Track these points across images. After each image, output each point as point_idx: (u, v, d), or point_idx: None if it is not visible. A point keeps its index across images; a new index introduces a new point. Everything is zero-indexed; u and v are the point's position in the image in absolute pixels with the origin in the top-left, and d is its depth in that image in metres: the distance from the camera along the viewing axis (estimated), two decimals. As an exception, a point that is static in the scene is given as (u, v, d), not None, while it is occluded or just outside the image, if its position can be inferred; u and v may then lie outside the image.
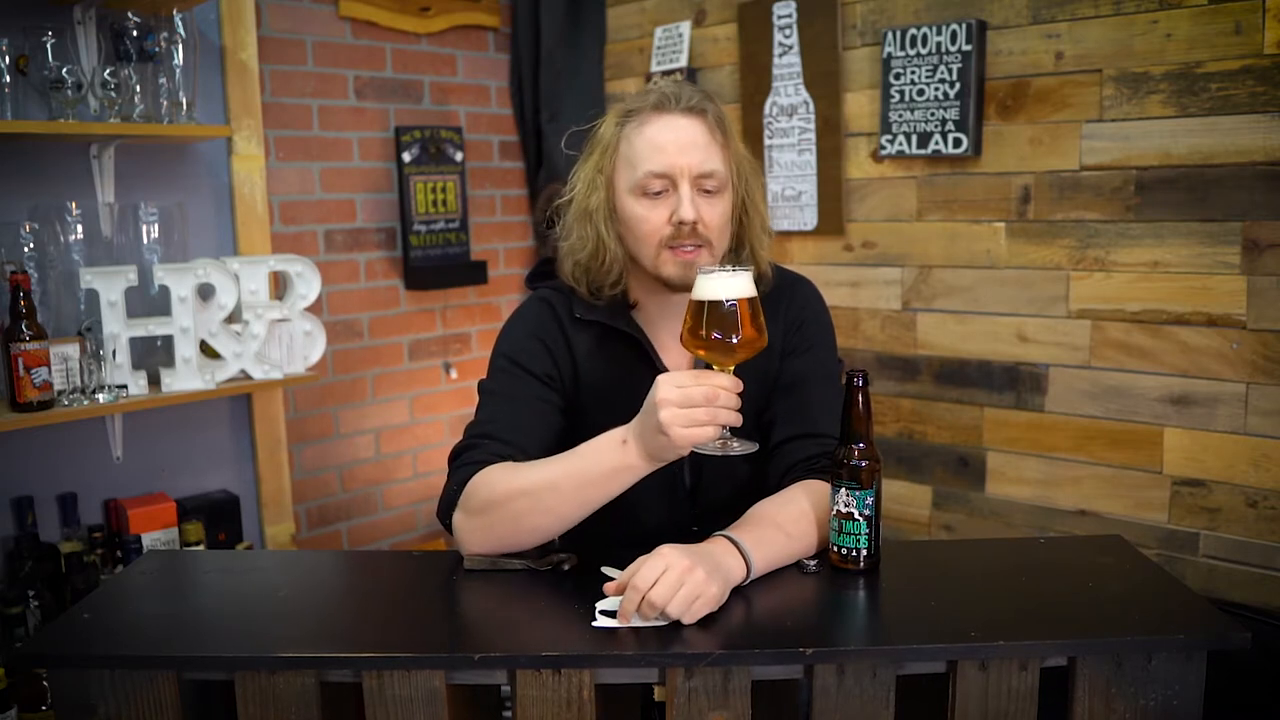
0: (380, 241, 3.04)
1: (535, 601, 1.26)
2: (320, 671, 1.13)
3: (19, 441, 2.17)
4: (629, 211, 1.39)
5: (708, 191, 1.38)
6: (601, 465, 1.26)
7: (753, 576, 1.25)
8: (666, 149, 1.36)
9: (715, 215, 1.38)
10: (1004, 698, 1.12)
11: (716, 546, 1.23)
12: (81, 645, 1.16)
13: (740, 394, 1.20)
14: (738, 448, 1.23)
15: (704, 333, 1.20)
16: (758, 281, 1.44)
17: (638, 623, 1.16)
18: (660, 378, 1.20)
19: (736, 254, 1.46)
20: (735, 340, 1.19)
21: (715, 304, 1.20)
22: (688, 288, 1.39)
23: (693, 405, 1.16)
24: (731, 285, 1.20)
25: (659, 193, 1.37)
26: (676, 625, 1.16)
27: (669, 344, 1.47)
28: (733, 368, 1.22)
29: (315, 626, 1.23)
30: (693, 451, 1.21)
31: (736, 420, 1.19)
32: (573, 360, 1.46)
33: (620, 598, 1.20)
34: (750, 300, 1.21)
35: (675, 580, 1.14)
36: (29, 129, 2.03)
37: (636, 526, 1.46)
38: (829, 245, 2.75)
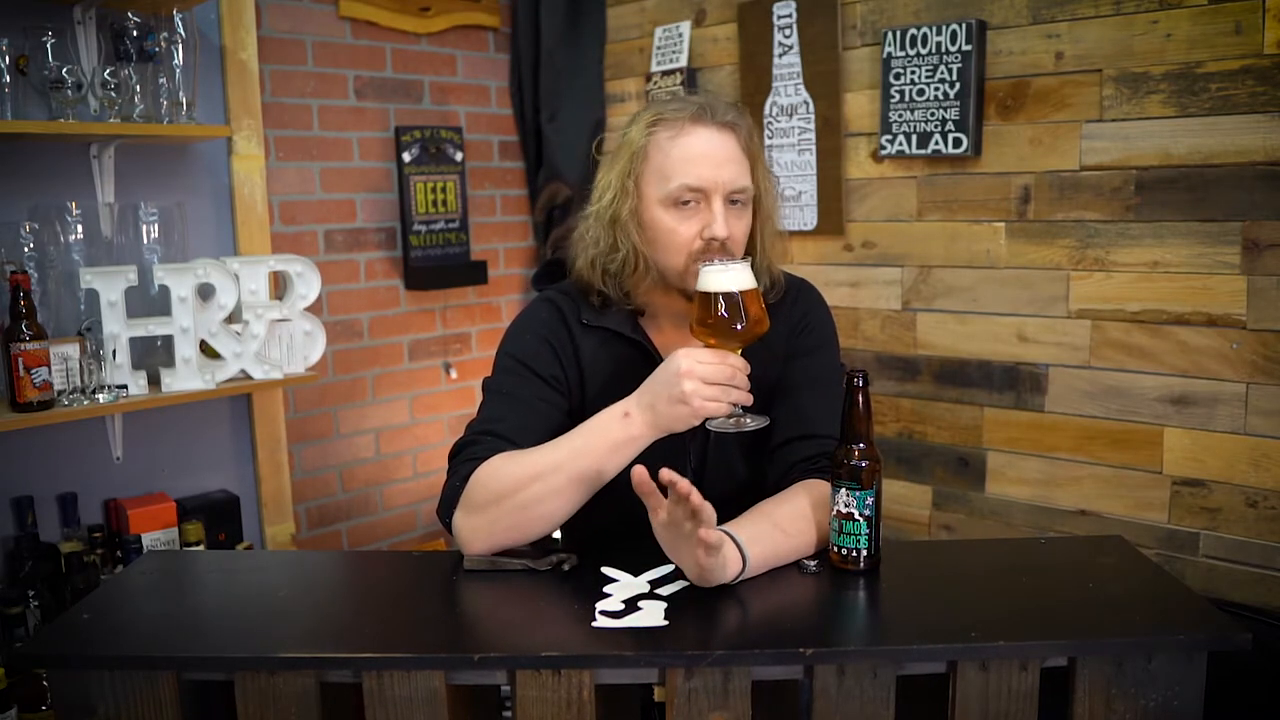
0: (380, 241, 3.04)
1: (535, 601, 1.26)
2: (320, 671, 1.13)
3: (19, 441, 2.16)
4: (658, 222, 1.40)
5: (734, 204, 1.40)
6: (607, 439, 1.28)
7: (748, 573, 1.25)
8: (702, 163, 1.37)
9: (741, 230, 1.42)
10: (1004, 698, 1.12)
11: None
12: (81, 645, 1.16)
13: (750, 376, 1.28)
14: (751, 423, 1.32)
15: (712, 321, 1.29)
16: (770, 287, 1.46)
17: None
18: (680, 351, 1.26)
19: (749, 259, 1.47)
20: (741, 326, 1.29)
21: (720, 294, 1.29)
22: None
23: (715, 381, 1.23)
24: (734, 277, 1.30)
25: (691, 206, 1.38)
26: (676, 625, 1.16)
27: (674, 350, 1.48)
28: (739, 350, 1.30)
29: (315, 626, 1.23)
30: (707, 434, 1.30)
31: (749, 399, 1.28)
32: (579, 364, 1.46)
33: (619, 598, 1.20)
34: (753, 290, 1.31)
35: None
36: (29, 129, 2.03)
37: (636, 525, 1.46)
38: (829, 245, 2.75)
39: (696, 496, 1.15)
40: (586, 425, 1.31)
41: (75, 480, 2.26)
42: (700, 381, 1.22)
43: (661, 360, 1.45)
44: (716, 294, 1.28)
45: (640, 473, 1.17)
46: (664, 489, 1.18)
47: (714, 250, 1.37)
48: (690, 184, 1.36)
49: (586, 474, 1.28)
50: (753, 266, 1.46)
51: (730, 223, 1.38)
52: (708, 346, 1.29)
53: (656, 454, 1.28)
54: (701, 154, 1.37)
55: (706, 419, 1.26)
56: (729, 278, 1.29)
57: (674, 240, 1.38)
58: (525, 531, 1.32)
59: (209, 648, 1.16)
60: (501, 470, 1.30)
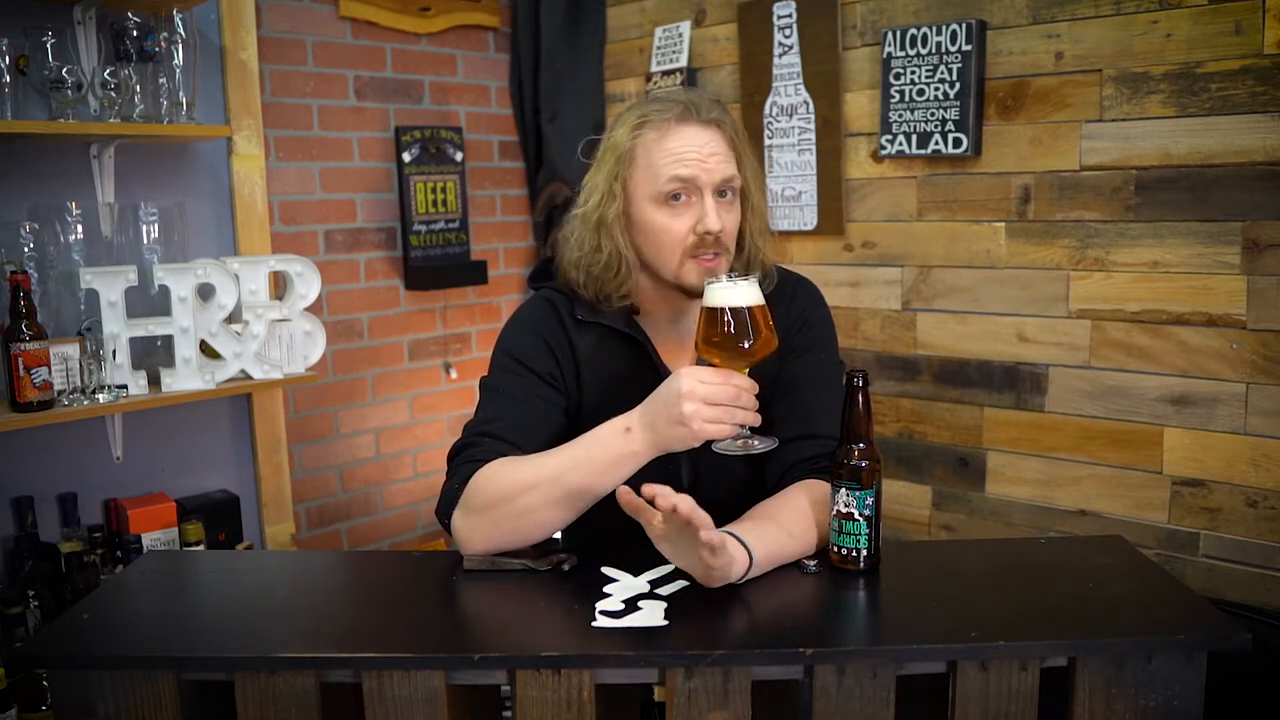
0: (380, 241, 3.04)
1: (535, 601, 1.26)
2: (320, 672, 1.13)
3: (19, 441, 2.16)
4: (650, 221, 1.40)
5: (724, 196, 1.40)
6: (607, 454, 1.27)
7: (754, 572, 1.25)
8: (690, 159, 1.37)
9: (732, 223, 1.42)
10: (1004, 698, 1.12)
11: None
12: (81, 645, 1.16)
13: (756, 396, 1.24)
14: (759, 445, 1.28)
15: (718, 338, 1.25)
16: (761, 283, 1.46)
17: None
18: (683, 370, 1.23)
19: (738, 256, 1.47)
20: (748, 345, 1.25)
21: (727, 310, 1.25)
22: None
23: (717, 403, 1.20)
24: (741, 292, 1.26)
25: (681, 202, 1.38)
26: (676, 625, 1.16)
27: (670, 347, 1.48)
28: (747, 370, 1.26)
29: (315, 626, 1.23)
30: (710, 449, 1.26)
31: (756, 420, 1.24)
32: (575, 361, 1.46)
33: (619, 598, 1.21)
34: (760, 306, 1.27)
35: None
36: (29, 129, 2.03)
37: (636, 525, 1.45)
38: (829, 245, 2.75)
39: (685, 506, 1.14)
40: (587, 437, 1.30)
41: (75, 480, 2.26)
42: (701, 403, 1.20)
43: (659, 355, 1.46)
44: (722, 310, 1.25)
45: (625, 494, 1.17)
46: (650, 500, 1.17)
47: (708, 244, 1.37)
48: (681, 174, 1.37)
49: (584, 487, 1.28)
50: (745, 260, 1.47)
51: (722, 215, 1.38)
52: (713, 365, 1.27)
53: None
54: (690, 150, 1.38)
55: (710, 440, 1.24)
56: (735, 294, 1.26)
57: (667, 238, 1.39)
58: (523, 536, 1.32)
59: (209, 648, 1.16)
60: (500, 476, 1.30)
